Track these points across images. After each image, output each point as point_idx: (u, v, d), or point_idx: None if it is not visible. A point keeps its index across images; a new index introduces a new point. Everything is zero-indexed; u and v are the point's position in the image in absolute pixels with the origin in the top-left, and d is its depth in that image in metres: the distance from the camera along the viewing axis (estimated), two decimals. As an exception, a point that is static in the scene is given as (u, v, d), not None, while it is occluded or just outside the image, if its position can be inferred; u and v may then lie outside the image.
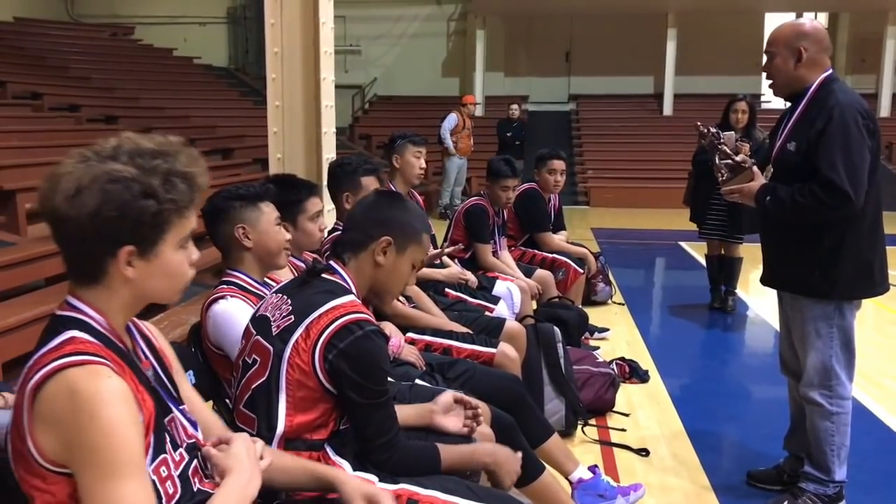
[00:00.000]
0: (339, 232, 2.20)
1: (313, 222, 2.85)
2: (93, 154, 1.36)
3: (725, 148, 3.09)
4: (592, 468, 3.11)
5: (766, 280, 3.18)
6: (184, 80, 16.23)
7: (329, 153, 4.85)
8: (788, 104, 3.07)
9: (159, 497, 1.41)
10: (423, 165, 4.31)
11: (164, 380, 1.55)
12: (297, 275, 2.44)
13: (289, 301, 2.01)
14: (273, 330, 1.96)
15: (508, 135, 12.67)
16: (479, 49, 18.47)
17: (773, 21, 11.97)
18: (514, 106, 13.08)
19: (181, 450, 1.50)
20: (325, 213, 2.98)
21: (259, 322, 2.04)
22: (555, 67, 19.75)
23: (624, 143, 17.10)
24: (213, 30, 20.33)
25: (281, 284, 2.20)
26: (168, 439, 1.47)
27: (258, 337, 1.99)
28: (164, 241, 1.41)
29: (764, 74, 3.05)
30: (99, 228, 1.33)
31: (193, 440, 1.57)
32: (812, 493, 3.04)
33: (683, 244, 10.31)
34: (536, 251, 5.62)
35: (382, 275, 2.09)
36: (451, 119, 12.10)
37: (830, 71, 2.95)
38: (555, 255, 5.58)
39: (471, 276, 4.38)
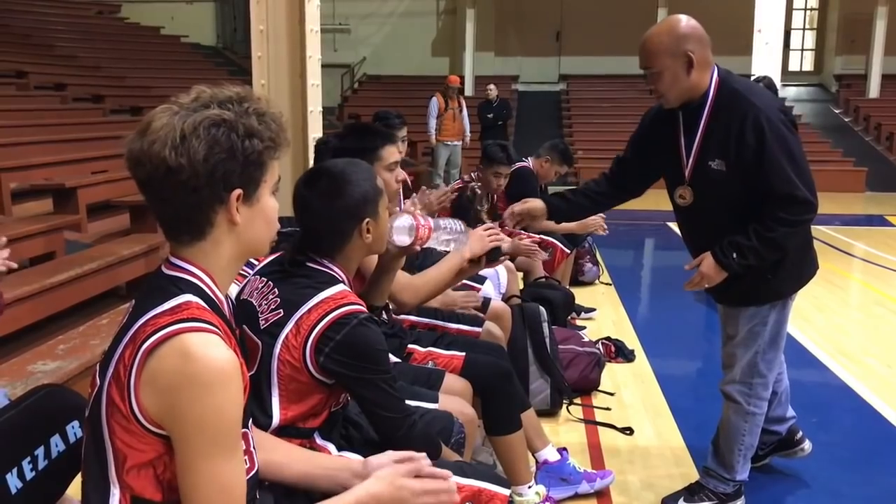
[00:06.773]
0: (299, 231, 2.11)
1: (390, 172, 2.85)
2: (178, 106, 1.34)
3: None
4: (561, 450, 3.11)
5: (717, 296, 2.99)
6: (171, 59, 16.10)
7: (315, 132, 4.84)
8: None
9: None
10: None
11: (244, 352, 1.53)
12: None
13: (276, 291, 1.93)
14: (261, 322, 1.90)
15: (490, 116, 12.35)
16: (469, 28, 18.39)
17: (764, 0, 11.90)
18: (492, 86, 12.81)
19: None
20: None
21: (243, 306, 1.96)
22: (545, 47, 19.70)
23: (614, 124, 17.03)
24: (200, 8, 20.18)
25: (262, 265, 2.10)
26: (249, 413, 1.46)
27: (244, 325, 1.91)
28: (264, 183, 1.41)
29: (652, 89, 2.70)
30: (211, 172, 1.32)
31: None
32: (710, 490, 2.98)
33: (671, 224, 10.33)
34: (523, 231, 5.61)
35: (375, 245, 2.08)
36: (433, 104, 11.68)
37: (716, 66, 2.68)
38: (541, 235, 5.58)
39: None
